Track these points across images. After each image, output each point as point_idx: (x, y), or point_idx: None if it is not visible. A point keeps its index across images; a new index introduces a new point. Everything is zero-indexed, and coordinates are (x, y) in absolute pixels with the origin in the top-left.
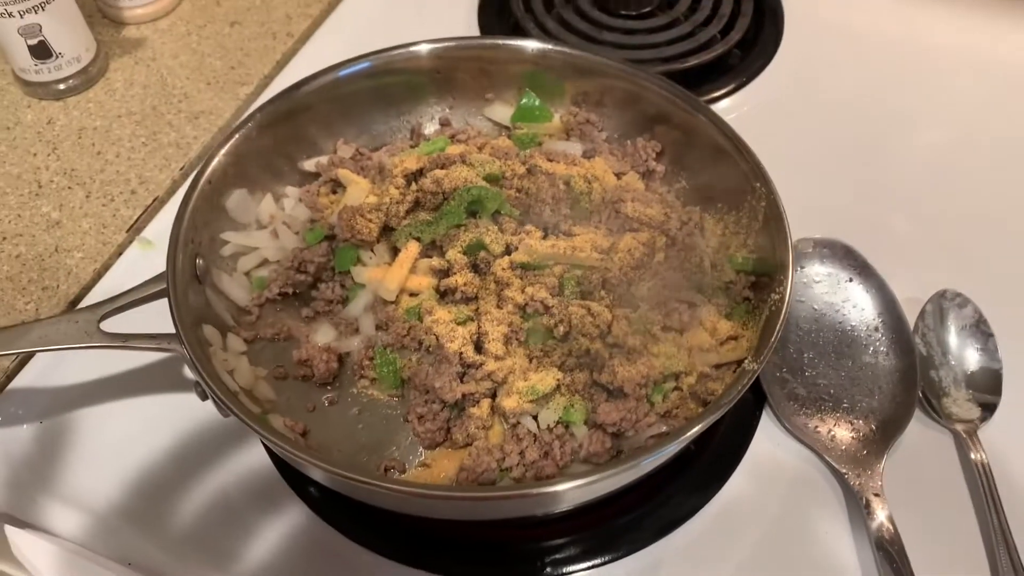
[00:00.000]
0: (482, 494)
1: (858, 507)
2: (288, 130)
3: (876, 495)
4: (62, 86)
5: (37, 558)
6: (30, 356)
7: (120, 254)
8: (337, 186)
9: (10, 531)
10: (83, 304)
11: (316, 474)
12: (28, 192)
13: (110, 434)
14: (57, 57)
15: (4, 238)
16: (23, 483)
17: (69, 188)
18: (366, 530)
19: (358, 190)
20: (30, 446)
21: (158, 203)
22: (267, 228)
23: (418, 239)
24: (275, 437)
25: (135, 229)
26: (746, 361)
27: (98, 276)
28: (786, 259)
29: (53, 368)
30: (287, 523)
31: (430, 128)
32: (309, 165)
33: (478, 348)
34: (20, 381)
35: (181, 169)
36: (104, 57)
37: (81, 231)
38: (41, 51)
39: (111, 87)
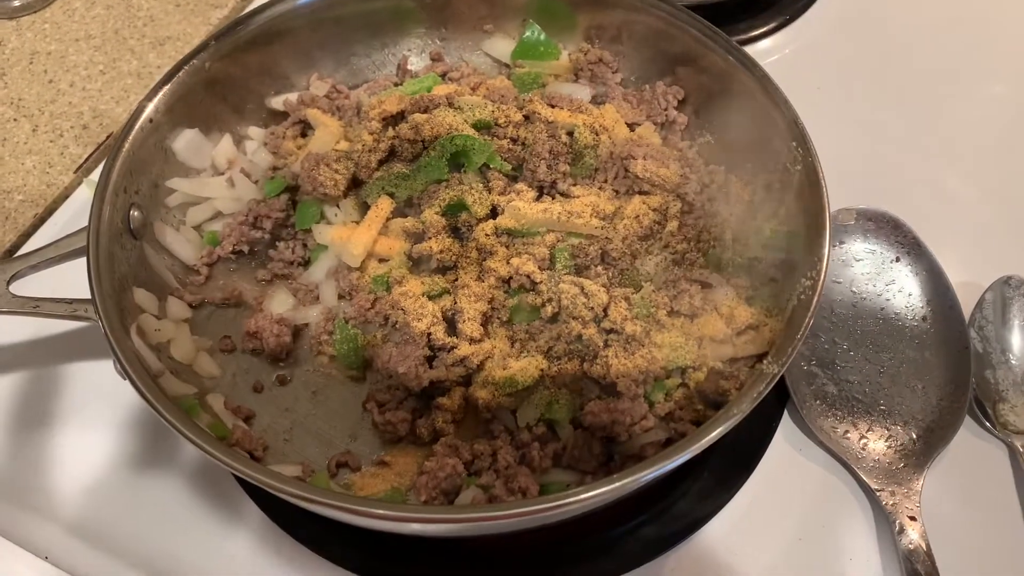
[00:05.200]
0: (426, 515)
1: (890, 529)
2: (254, 60)
3: (912, 518)
4: (16, 3)
5: None
6: None
7: (67, 197)
8: (308, 128)
9: None
10: (20, 253)
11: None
12: None
13: (28, 411)
14: None
15: None
16: None
17: (14, 120)
18: (321, 534)
19: (327, 134)
20: None
21: (112, 140)
22: (224, 175)
23: (391, 195)
24: (196, 435)
25: (84, 169)
26: (766, 361)
27: (40, 222)
28: (822, 237)
29: None
30: (236, 529)
31: (418, 63)
32: (277, 103)
33: (452, 327)
34: None
35: None
36: None
37: (24, 170)
38: None
39: (70, 6)
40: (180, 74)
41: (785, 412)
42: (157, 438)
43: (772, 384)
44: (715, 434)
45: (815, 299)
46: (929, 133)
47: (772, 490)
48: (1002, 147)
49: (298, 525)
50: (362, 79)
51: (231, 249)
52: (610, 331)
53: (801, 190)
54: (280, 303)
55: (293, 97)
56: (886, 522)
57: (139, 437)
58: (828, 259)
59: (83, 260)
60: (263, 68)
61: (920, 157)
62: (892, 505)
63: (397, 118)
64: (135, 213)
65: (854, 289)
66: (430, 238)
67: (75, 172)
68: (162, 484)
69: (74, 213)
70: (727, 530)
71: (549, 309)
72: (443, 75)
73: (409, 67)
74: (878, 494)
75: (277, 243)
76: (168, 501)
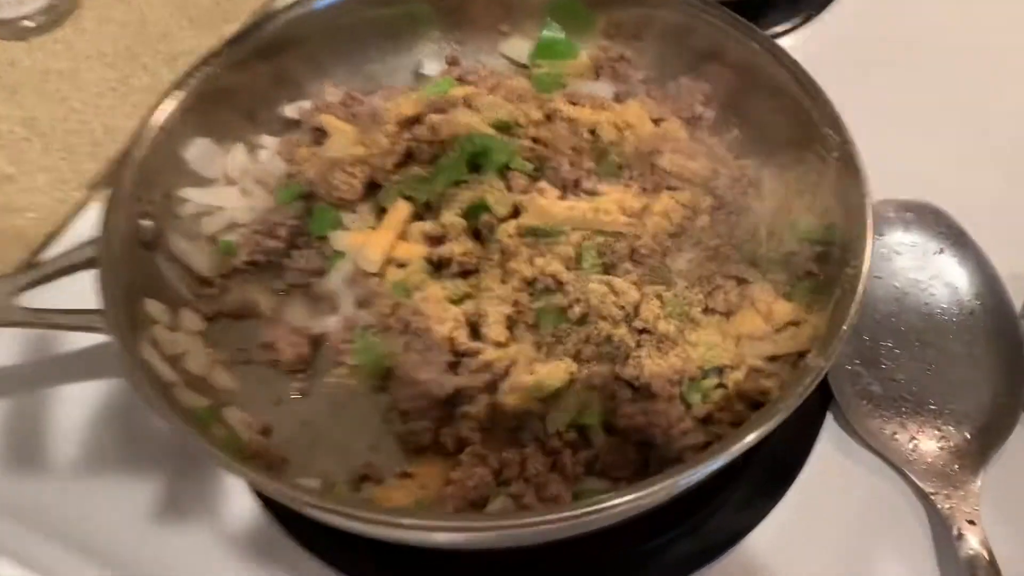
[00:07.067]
0: (454, 523)
1: (948, 536)
2: (267, 68)
3: (971, 522)
4: (27, 23)
5: None
6: None
7: (78, 214)
8: (322, 136)
9: None
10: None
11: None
12: None
13: (45, 429)
14: None
15: None
16: None
17: (27, 140)
18: (335, 545)
19: (342, 139)
20: None
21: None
22: (237, 184)
23: (409, 198)
24: (211, 444)
25: (97, 185)
26: (810, 355)
27: (50, 239)
28: (863, 224)
29: None
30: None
31: (434, 68)
32: (291, 111)
33: (476, 332)
34: None
35: None
36: None
37: (35, 187)
38: None
39: (81, 25)
40: (192, 82)
41: (829, 415)
42: (172, 454)
43: (819, 379)
44: (760, 431)
45: (859, 287)
46: (969, 126)
47: (816, 499)
48: None
49: (311, 533)
50: (377, 85)
51: (247, 259)
52: (642, 331)
53: (838, 179)
54: (296, 312)
55: (307, 105)
56: (943, 528)
57: (152, 454)
58: (872, 245)
59: (93, 273)
60: (276, 76)
61: (960, 149)
62: (949, 509)
63: (413, 121)
64: (147, 223)
65: (896, 284)
66: (451, 241)
67: (88, 188)
68: (175, 500)
69: (87, 228)
70: (769, 542)
71: (577, 310)
72: (459, 79)
73: (425, 72)
74: (933, 498)
75: (291, 252)
76: (184, 519)
